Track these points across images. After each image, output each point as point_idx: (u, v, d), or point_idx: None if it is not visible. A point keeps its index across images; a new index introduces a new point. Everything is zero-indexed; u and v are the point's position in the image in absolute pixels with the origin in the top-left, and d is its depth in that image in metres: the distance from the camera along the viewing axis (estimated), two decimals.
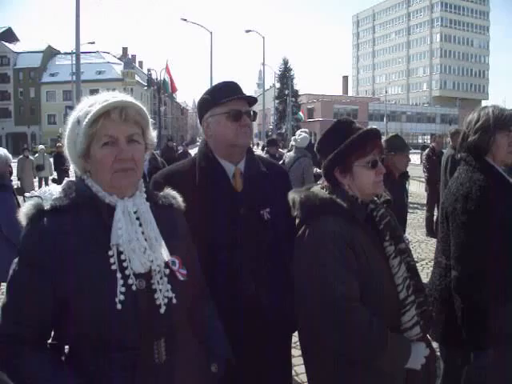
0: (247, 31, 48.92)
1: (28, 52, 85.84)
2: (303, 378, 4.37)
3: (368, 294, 2.15)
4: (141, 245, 1.75)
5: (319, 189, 2.41)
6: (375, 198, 2.41)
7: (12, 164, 6.23)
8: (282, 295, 2.48)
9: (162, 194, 2.05)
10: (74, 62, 23.17)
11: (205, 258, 2.36)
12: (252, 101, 2.61)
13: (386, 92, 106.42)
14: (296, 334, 2.60)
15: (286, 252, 2.50)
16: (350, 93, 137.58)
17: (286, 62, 74.74)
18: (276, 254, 2.53)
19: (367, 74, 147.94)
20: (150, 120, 1.91)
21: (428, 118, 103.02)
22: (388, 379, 2.18)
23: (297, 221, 2.37)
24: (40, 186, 19.97)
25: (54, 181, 18.85)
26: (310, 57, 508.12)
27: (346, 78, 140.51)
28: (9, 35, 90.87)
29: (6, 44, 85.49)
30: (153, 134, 1.92)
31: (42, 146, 22.59)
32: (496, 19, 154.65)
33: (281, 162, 8.75)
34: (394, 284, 2.21)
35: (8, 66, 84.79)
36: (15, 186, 18.65)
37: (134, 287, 1.70)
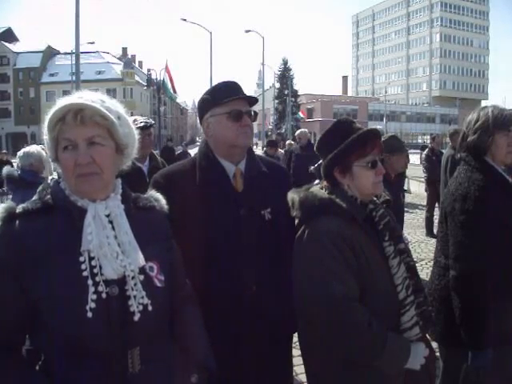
0: (247, 31, 48.84)
1: (28, 52, 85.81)
2: (303, 377, 4.37)
3: (367, 294, 2.16)
4: (113, 250, 1.69)
5: (318, 189, 2.41)
6: (375, 198, 2.41)
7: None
8: (282, 295, 2.48)
9: (144, 195, 2.00)
10: (73, 62, 23.17)
11: (205, 259, 2.37)
12: (253, 101, 2.59)
13: (386, 92, 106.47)
14: (296, 334, 2.59)
15: (287, 252, 2.50)
16: (350, 93, 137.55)
17: (285, 62, 74.64)
18: (277, 253, 2.52)
19: (367, 74, 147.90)
20: (126, 119, 1.84)
21: (428, 118, 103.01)
22: (387, 379, 2.18)
23: (296, 221, 2.37)
24: None
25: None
26: (309, 57, 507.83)
27: (345, 78, 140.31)
28: (8, 35, 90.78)
29: (6, 44, 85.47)
30: (129, 131, 1.84)
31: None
32: (496, 19, 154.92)
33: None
34: (393, 284, 2.21)
35: (8, 66, 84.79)
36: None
37: (104, 294, 1.64)
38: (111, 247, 1.69)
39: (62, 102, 1.70)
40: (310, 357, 2.41)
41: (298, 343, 2.57)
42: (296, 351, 3.54)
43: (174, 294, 1.96)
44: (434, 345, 2.67)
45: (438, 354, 2.92)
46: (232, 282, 2.42)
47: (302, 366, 2.54)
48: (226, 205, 2.48)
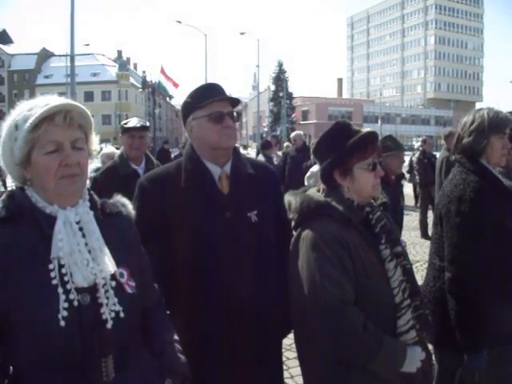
0: (242, 33, 48.92)
1: (22, 54, 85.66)
2: (298, 380, 4.37)
3: (363, 298, 2.15)
4: (83, 257, 1.66)
5: (315, 191, 2.41)
6: (372, 201, 2.41)
7: None
8: (269, 296, 2.49)
9: (110, 201, 1.95)
10: (68, 64, 23.10)
11: (191, 261, 2.37)
12: (235, 102, 2.59)
13: (381, 94, 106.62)
14: (291, 336, 2.59)
15: (274, 254, 2.50)
16: (345, 95, 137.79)
17: (280, 65, 74.84)
18: (263, 255, 2.52)
19: (362, 76, 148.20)
20: (93, 125, 1.82)
21: (422, 120, 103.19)
22: (383, 382, 2.18)
23: (292, 223, 2.37)
24: None
25: None
26: (304, 59, 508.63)
27: (340, 81, 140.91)
28: (3, 37, 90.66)
29: (1, 46, 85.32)
30: (96, 139, 1.85)
31: None
32: (490, 21, 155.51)
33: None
34: (389, 287, 2.20)
35: (2, 68, 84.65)
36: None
37: (75, 302, 1.61)
38: (81, 254, 1.67)
39: (42, 101, 1.68)
40: (306, 359, 2.41)
41: (293, 345, 2.57)
42: (291, 353, 3.55)
43: (144, 298, 1.94)
44: (429, 347, 2.68)
45: (432, 356, 2.92)
46: (218, 284, 2.41)
47: (298, 368, 2.54)
48: (212, 207, 2.46)
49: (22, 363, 1.64)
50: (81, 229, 1.71)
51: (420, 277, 7.20)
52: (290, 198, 2.36)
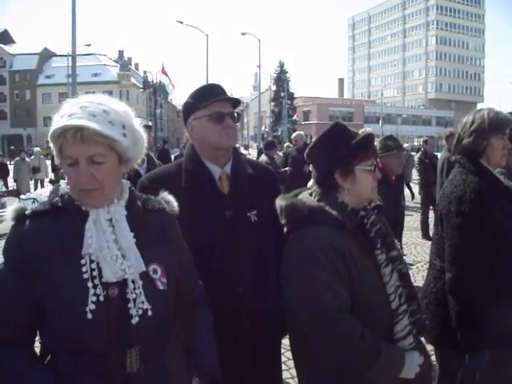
0: (243, 34, 48.88)
1: (24, 54, 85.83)
2: None
3: (359, 305, 2.13)
4: (112, 253, 1.71)
5: (307, 195, 2.39)
6: (366, 204, 2.39)
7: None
8: (268, 296, 2.48)
9: (155, 198, 1.99)
10: (70, 64, 23.06)
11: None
12: (235, 102, 2.61)
13: (382, 94, 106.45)
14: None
15: (273, 254, 2.50)
16: (346, 95, 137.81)
17: (281, 65, 74.70)
18: (263, 255, 2.53)
19: (363, 77, 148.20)
20: (132, 125, 1.80)
21: (423, 121, 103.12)
22: None
23: (285, 229, 2.36)
24: (36, 188, 19.93)
25: (51, 182, 18.81)
26: (306, 59, 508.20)
27: (341, 81, 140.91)
28: (5, 37, 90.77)
29: (2, 46, 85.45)
30: (136, 140, 1.82)
31: (37, 149, 22.68)
32: (491, 22, 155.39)
33: None
34: (385, 293, 2.18)
35: (4, 68, 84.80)
36: (11, 188, 18.54)
37: (101, 297, 1.67)
38: (110, 250, 1.71)
39: (70, 110, 1.68)
40: (302, 365, 2.40)
41: None
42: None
43: (183, 295, 1.98)
44: (430, 347, 2.68)
45: (433, 356, 2.92)
46: (218, 284, 2.41)
47: None
48: (212, 207, 2.48)
49: (55, 347, 1.74)
50: (113, 226, 1.76)
51: (421, 277, 7.22)
52: (282, 203, 2.33)
